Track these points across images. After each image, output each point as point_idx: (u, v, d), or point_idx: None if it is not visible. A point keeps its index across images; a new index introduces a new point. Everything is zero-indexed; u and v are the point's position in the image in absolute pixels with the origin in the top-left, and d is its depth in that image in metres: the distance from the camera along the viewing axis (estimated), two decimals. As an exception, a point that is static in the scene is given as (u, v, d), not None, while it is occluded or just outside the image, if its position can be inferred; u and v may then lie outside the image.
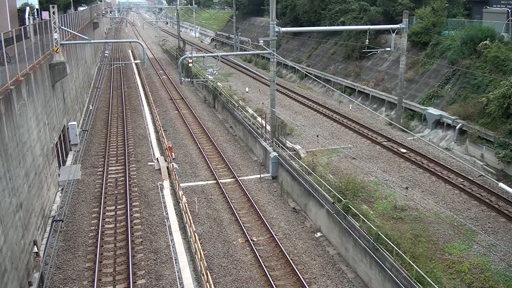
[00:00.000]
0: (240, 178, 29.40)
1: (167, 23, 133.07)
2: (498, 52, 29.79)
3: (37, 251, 18.78)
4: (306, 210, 25.03)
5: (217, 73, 44.25)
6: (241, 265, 20.24)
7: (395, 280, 16.72)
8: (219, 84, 48.05)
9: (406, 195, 22.12)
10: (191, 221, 21.13)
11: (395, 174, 25.11)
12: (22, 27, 22.70)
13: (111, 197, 26.32)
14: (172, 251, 20.55)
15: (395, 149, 29.01)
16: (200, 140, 37.03)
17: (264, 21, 76.43)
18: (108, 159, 32.47)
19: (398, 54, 37.51)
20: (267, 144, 30.73)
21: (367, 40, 33.50)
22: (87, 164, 31.27)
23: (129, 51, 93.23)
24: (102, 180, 28.40)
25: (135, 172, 29.92)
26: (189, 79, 54.88)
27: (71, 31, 35.67)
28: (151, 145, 34.95)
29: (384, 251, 17.58)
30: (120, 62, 73.38)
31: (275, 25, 28.14)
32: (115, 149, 34.70)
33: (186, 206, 22.27)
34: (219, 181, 28.94)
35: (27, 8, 36.52)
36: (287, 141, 30.22)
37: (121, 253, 20.64)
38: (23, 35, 21.59)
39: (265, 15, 77.78)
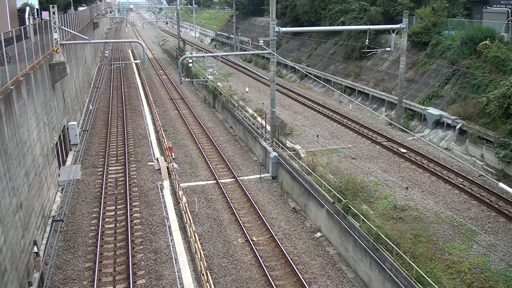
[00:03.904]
0: (240, 178, 29.40)
1: (167, 23, 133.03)
2: (498, 52, 29.80)
3: (37, 251, 18.78)
4: (306, 210, 25.03)
5: (217, 73, 44.30)
6: (241, 265, 20.24)
7: (395, 280, 16.72)
8: (219, 84, 48.04)
9: (406, 195, 22.12)
10: (191, 221, 21.13)
11: (395, 174, 25.12)
12: (22, 27, 22.67)
13: (111, 197, 26.33)
14: (172, 251, 20.55)
15: (395, 149, 29.01)
16: (200, 140, 37.03)
17: (264, 21, 76.42)
18: (108, 159, 32.47)
19: (398, 54, 37.51)
20: (267, 144, 30.73)
21: (367, 40, 33.51)
22: (87, 164, 31.28)
23: (129, 51, 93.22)
24: (102, 180, 28.40)
25: (135, 172, 29.92)
26: (189, 79, 54.88)
27: (71, 31, 35.66)
28: (151, 145, 34.94)
29: (384, 251, 17.58)
30: (120, 62, 73.38)
31: (275, 25, 28.13)
32: (115, 149, 34.70)
33: (186, 206, 22.27)
34: (219, 181, 28.94)
35: (27, 8, 36.42)
36: (287, 141, 30.22)
37: (121, 253, 20.64)
38: (23, 35, 21.57)
39: (265, 15, 77.77)
